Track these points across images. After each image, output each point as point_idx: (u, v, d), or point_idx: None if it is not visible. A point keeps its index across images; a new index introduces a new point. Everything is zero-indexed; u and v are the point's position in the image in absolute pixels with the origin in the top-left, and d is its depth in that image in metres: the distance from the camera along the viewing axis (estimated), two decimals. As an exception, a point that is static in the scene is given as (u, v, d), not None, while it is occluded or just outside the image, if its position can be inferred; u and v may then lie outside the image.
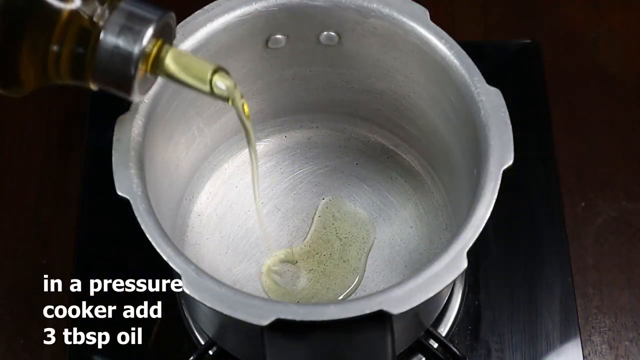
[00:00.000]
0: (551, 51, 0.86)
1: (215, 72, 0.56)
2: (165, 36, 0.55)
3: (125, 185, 0.58)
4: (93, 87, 0.55)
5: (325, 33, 0.66)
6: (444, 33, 0.63)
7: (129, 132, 0.59)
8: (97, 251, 0.75)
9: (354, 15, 0.64)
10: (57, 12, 0.53)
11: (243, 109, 0.59)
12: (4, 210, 0.80)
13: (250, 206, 0.74)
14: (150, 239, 0.56)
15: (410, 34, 0.63)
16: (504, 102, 0.60)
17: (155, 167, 0.63)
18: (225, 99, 0.57)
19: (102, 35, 0.53)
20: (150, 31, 0.53)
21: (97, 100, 0.80)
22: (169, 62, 0.55)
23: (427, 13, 0.63)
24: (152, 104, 0.61)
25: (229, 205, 0.75)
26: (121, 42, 0.53)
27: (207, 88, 0.56)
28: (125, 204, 0.57)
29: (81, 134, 0.81)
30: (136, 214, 0.57)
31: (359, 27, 0.65)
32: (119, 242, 0.75)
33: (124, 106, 0.60)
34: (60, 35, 0.53)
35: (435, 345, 0.71)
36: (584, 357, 0.72)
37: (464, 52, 0.62)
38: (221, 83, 0.56)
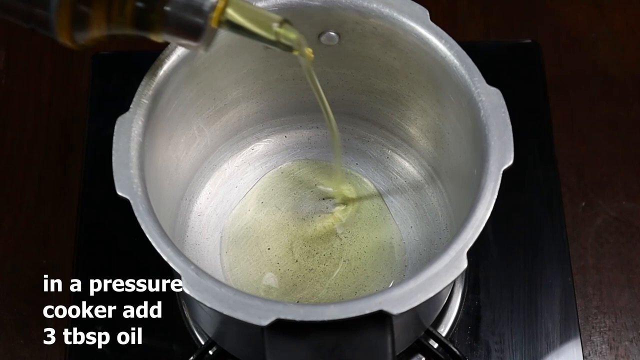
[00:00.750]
0: (551, 51, 0.86)
1: (281, 23, 0.57)
2: None
3: (125, 185, 0.58)
4: (157, 38, 0.56)
5: (325, 33, 0.66)
6: (444, 33, 0.62)
7: (129, 132, 0.59)
8: (97, 251, 0.75)
9: (354, 15, 0.64)
10: None
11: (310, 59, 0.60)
12: (4, 210, 0.80)
13: (250, 205, 0.74)
14: (150, 239, 0.56)
15: (410, 34, 0.63)
16: (504, 102, 0.60)
17: (155, 167, 0.63)
18: (290, 49, 0.58)
19: None
20: None
21: (97, 100, 0.80)
22: (235, 12, 0.56)
23: (427, 13, 0.63)
24: (152, 104, 0.61)
25: (229, 205, 0.75)
26: None
27: (272, 37, 0.57)
28: (125, 204, 0.57)
29: (81, 134, 0.81)
30: (136, 214, 0.57)
31: (359, 27, 0.65)
32: (119, 242, 0.75)
33: (124, 106, 0.60)
34: None
35: (435, 345, 0.71)
36: (584, 357, 0.72)
37: (464, 52, 0.62)
38: (287, 33, 0.57)
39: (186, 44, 0.57)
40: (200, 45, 0.56)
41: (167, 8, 0.55)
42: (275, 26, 0.57)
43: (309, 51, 0.60)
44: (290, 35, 0.58)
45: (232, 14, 0.56)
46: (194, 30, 0.55)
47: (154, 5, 0.55)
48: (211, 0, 0.55)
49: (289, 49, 0.58)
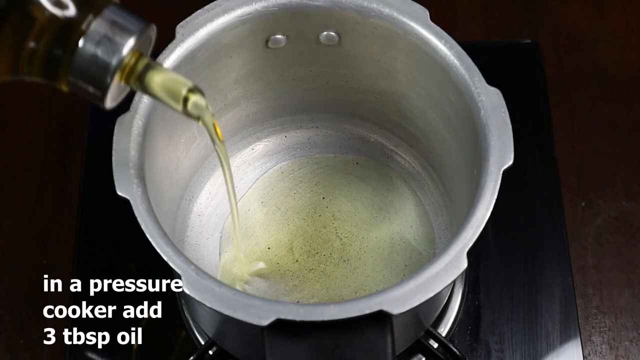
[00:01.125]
0: (551, 51, 0.86)
1: (190, 91, 0.55)
2: (144, 48, 0.54)
3: (125, 185, 0.58)
4: (64, 88, 0.54)
5: (325, 33, 0.66)
6: (444, 33, 0.62)
7: (129, 132, 0.59)
8: (97, 251, 0.76)
9: (354, 15, 0.64)
10: (39, 11, 0.51)
11: (215, 130, 0.58)
12: (4, 210, 0.80)
13: (250, 205, 0.74)
14: (150, 239, 0.56)
15: (410, 34, 0.63)
16: (504, 102, 0.60)
17: (155, 167, 0.63)
18: (196, 119, 0.56)
19: (81, 41, 0.51)
20: (130, 43, 0.52)
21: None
22: (144, 74, 0.54)
23: (427, 13, 0.63)
24: (152, 103, 0.61)
25: (229, 205, 0.75)
26: (100, 51, 0.52)
27: (179, 107, 0.55)
28: (125, 204, 0.57)
29: (81, 134, 0.81)
30: (136, 214, 0.57)
31: (359, 27, 0.65)
32: (119, 242, 0.75)
33: (124, 106, 0.60)
34: (38, 34, 0.52)
35: (435, 345, 0.71)
36: (584, 357, 0.72)
37: (464, 52, 0.62)
38: (194, 102, 0.55)
39: (91, 99, 0.53)
40: (105, 100, 0.53)
41: (75, 61, 0.51)
42: (184, 91, 0.54)
43: (213, 121, 0.57)
44: (199, 101, 0.55)
45: (141, 76, 0.54)
46: (97, 87, 0.52)
47: (63, 55, 0.51)
48: (120, 56, 0.52)
49: (194, 117, 0.56)
